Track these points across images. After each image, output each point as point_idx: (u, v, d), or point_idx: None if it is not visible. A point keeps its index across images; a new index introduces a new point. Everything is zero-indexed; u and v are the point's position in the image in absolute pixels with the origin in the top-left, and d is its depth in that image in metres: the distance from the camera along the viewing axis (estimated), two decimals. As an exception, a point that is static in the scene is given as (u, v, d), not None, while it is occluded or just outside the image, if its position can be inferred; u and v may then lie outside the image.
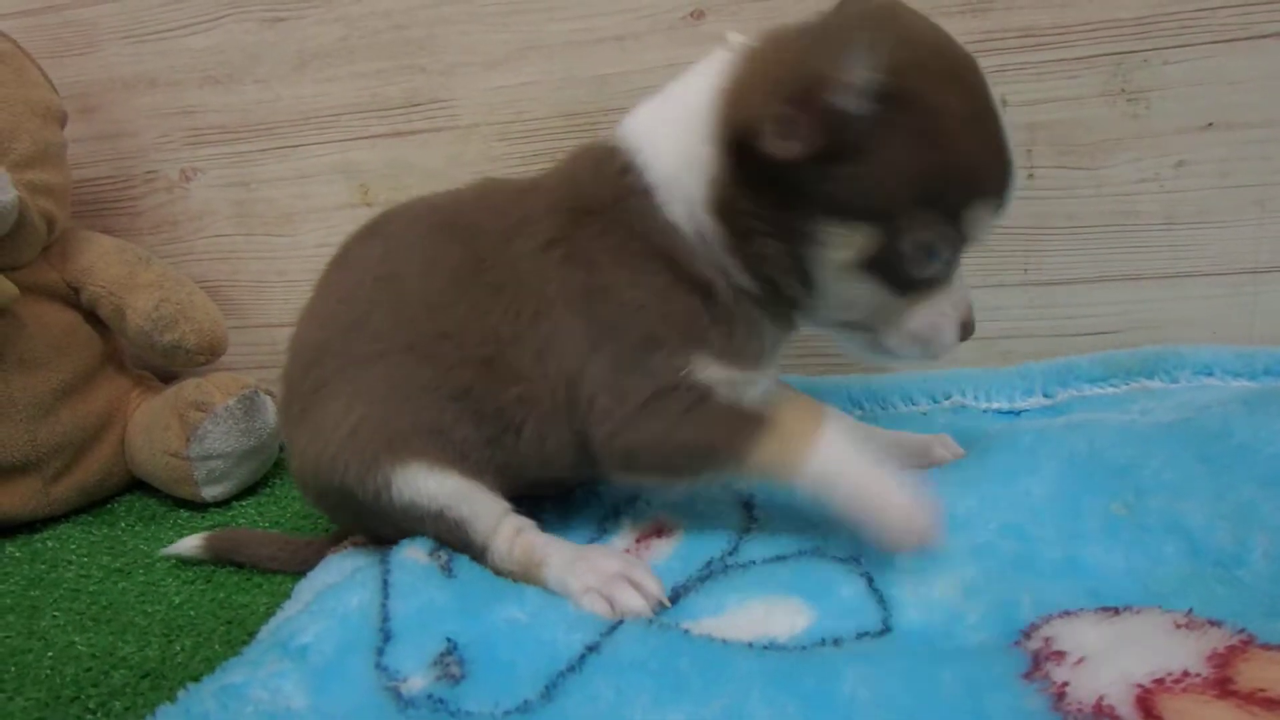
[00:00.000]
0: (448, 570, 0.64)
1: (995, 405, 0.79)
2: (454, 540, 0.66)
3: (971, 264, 0.86)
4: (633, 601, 0.59)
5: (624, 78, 0.90)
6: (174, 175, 1.07)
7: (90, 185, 1.07)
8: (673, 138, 0.61)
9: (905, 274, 0.58)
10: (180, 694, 0.52)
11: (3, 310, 0.87)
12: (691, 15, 0.87)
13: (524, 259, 0.66)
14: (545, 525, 0.69)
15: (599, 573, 0.61)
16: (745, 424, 0.60)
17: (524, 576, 0.64)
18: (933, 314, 0.60)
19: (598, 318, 0.63)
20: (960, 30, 0.81)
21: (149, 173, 1.07)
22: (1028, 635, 0.50)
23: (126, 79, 1.05)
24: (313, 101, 1.00)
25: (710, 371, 0.62)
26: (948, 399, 0.80)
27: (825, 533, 0.62)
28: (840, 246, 0.57)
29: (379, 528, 0.70)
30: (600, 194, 0.64)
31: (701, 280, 0.62)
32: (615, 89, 0.91)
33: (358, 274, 0.71)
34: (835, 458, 0.57)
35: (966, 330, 0.62)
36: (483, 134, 0.96)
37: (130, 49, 1.03)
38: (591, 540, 0.69)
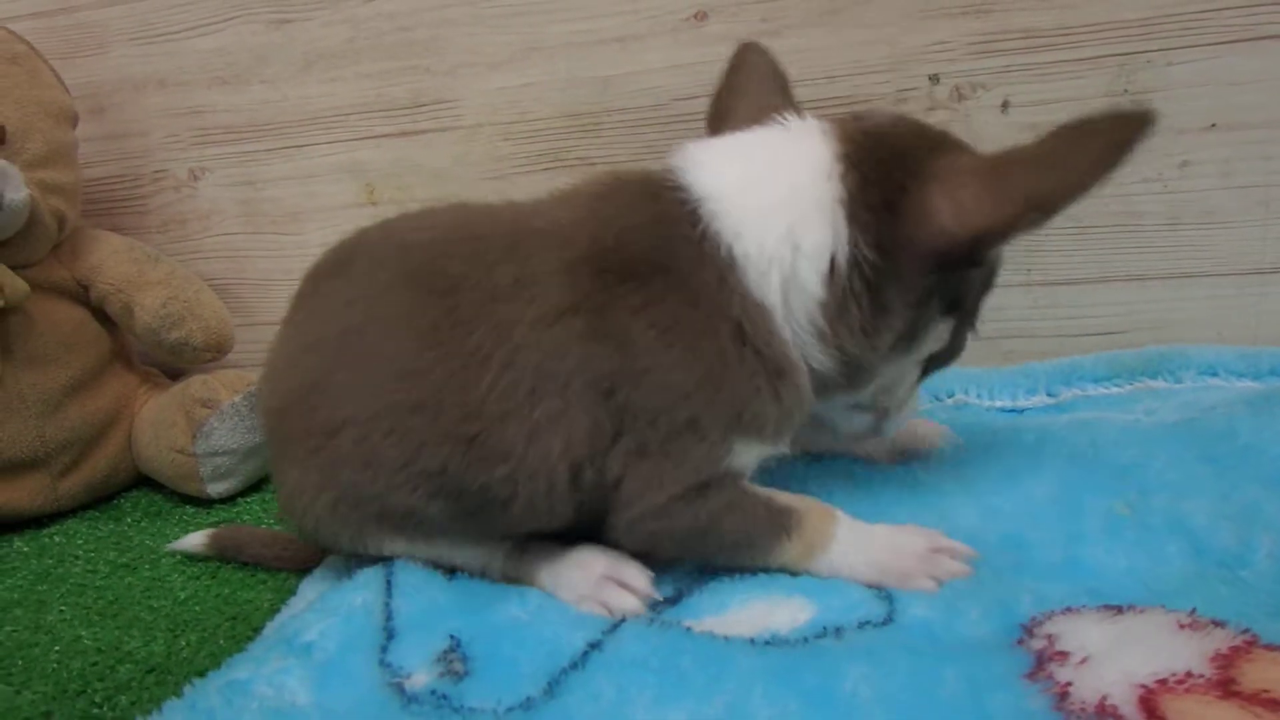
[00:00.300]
0: (450, 572, 0.64)
1: (998, 403, 0.79)
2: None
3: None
4: (625, 602, 0.59)
5: (627, 79, 0.91)
6: (182, 174, 1.08)
7: (100, 184, 1.08)
8: (774, 209, 0.55)
9: (943, 361, 0.63)
10: (186, 689, 0.52)
11: (13, 307, 0.88)
12: (695, 17, 0.88)
13: (522, 327, 0.56)
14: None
15: (587, 578, 0.60)
16: (774, 521, 0.58)
17: (523, 584, 0.64)
18: (915, 396, 0.66)
19: (628, 404, 0.55)
20: (962, 32, 0.82)
21: (158, 172, 1.08)
22: (1030, 633, 0.50)
23: (136, 79, 1.05)
24: (319, 102, 1.00)
25: (749, 454, 0.58)
26: (950, 397, 0.80)
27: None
28: (937, 339, 0.60)
29: None
30: (654, 255, 0.56)
31: (774, 362, 0.56)
32: (618, 90, 0.91)
33: (322, 321, 0.64)
34: (848, 552, 0.58)
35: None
36: (487, 134, 0.97)
37: (140, 50, 1.04)
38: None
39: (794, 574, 0.59)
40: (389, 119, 0.99)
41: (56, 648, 0.72)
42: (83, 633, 0.73)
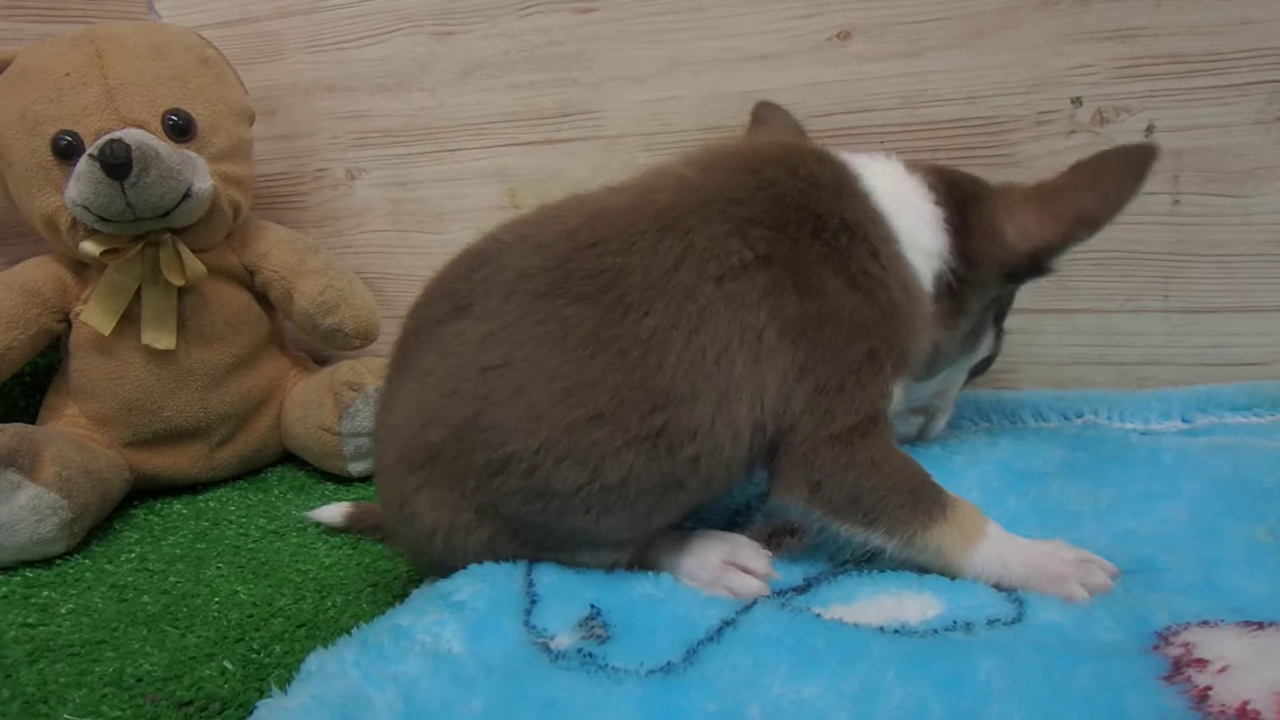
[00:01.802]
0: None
1: (1129, 426, 0.78)
2: None
3: (1108, 288, 0.87)
4: (749, 585, 0.61)
5: (767, 95, 0.93)
6: (341, 174, 1.16)
7: (268, 179, 1.17)
8: (906, 212, 0.65)
9: (982, 369, 0.75)
10: (355, 629, 0.57)
11: (191, 287, 0.96)
12: (838, 36, 0.90)
13: (705, 290, 0.58)
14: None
15: (706, 565, 0.63)
16: (930, 493, 0.59)
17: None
18: (951, 407, 0.76)
19: (815, 345, 0.59)
20: (1107, 56, 0.83)
21: (319, 170, 1.17)
22: (1166, 640, 0.50)
23: (306, 85, 1.14)
24: (472, 109, 1.07)
25: (898, 398, 0.64)
26: (1080, 417, 0.80)
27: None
28: (987, 346, 0.72)
29: None
30: (835, 211, 0.61)
31: (919, 317, 0.64)
32: (759, 105, 0.95)
33: (453, 366, 0.61)
34: (1002, 550, 0.58)
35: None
36: (628, 144, 1.01)
37: (312, 58, 1.13)
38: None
39: (939, 564, 0.59)
40: (535, 127, 1.04)
41: (216, 599, 0.78)
42: (239, 588, 0.79)
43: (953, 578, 0.59)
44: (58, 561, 0.87)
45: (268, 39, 1.14)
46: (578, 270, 0.60)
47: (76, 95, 0.91)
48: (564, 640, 0.56)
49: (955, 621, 0.55)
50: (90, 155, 0.87)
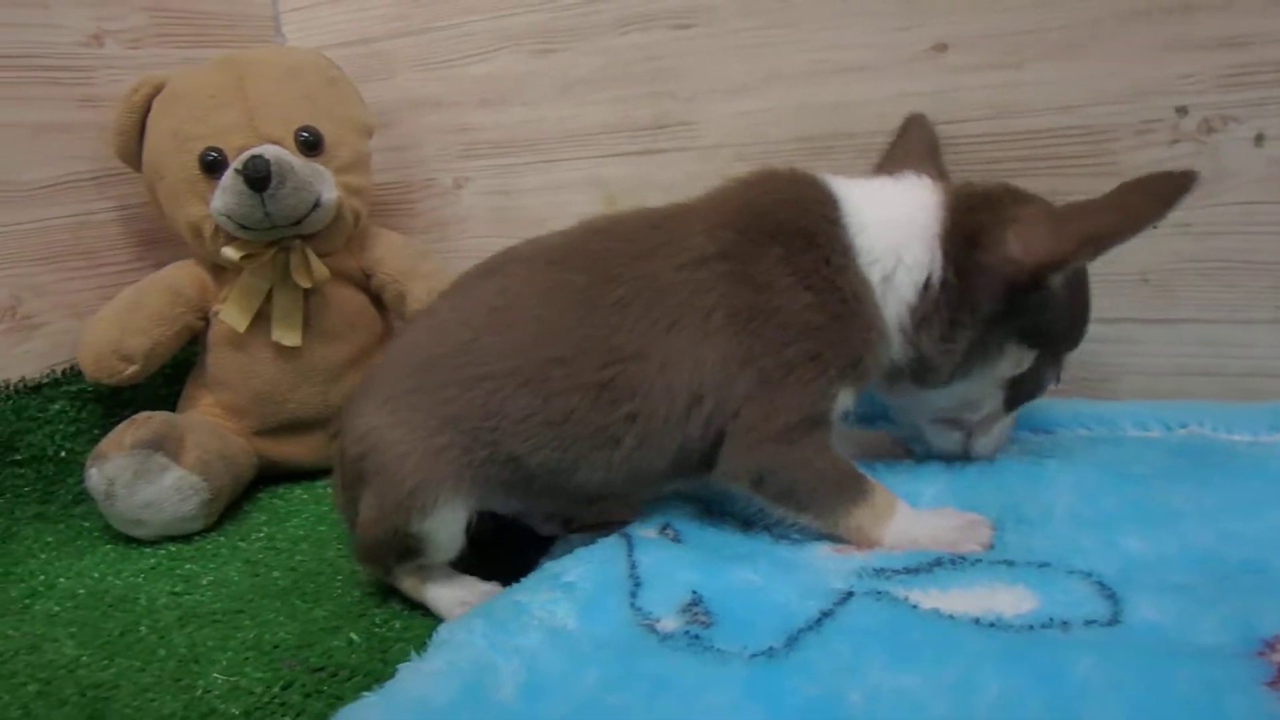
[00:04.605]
0: (677, 540, 0.71)
1: (1236, 438, 0.76)
2: None
3: (1214, 298, 0.86)
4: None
5: (861, 106, 0.96)
6: (448, 183, 1.22)
7: (380, 189, 1.23)
8: (891, 228, 0.68)
9: (1029, 393, 0.73)
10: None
11: (316, 289, 1.04)
12: (934, 48, 0.92)
13: (668, 273, 0.68)
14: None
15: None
16: (855, 481, 0.67)
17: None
18: (1006, 430, 0.76)
19: (759, 336, 0.66)
20: (1213, 64, 0.82)
21: (427, 180, 1.24)
22: (1273, 648, 0.50)
23: (415, 100, 1.21)
24: (571, 122, 1.12)
25: (845, 403, 0.68)
26: (1183, 428, 0.78)
27: (1055, 552, 0.64)
28: (1014, 363, 0.71)
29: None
30: (792, 221, 0.68)
31: (875, 326, 0.68)
32: (852, 116, 0.97)
33: (472, 304, 0.74)
34: (910, 523, 0.67)
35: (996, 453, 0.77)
36: (723, 155, 1.04)
37: (421, 75, 1.20)
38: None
39: (859, 539, 0.66)
40: (633, 138, 1.08)
41: (339, 577, 0.84)
42: (357, 569, 0.85)
43: (871, 548, 0.66)
44: (196, 538, 0.95)
45: (381, 58, 1.21)
46: (582, 249, 0.73)
47: (221, 115, 0.99)
48: (669, 624, 0.59)
49: (1052, 619, 0.56)
50: (235, 170, 0.95)
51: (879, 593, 0.60)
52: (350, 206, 1.05)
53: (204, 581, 0.86)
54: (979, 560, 0.64)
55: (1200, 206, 0.85)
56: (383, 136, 1.21)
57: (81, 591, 0.85)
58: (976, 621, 0.56)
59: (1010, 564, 0.63)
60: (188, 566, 0.89)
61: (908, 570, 0.63)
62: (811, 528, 0.68)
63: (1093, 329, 0.75)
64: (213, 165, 0.99)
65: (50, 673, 0.72)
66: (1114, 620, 0.55)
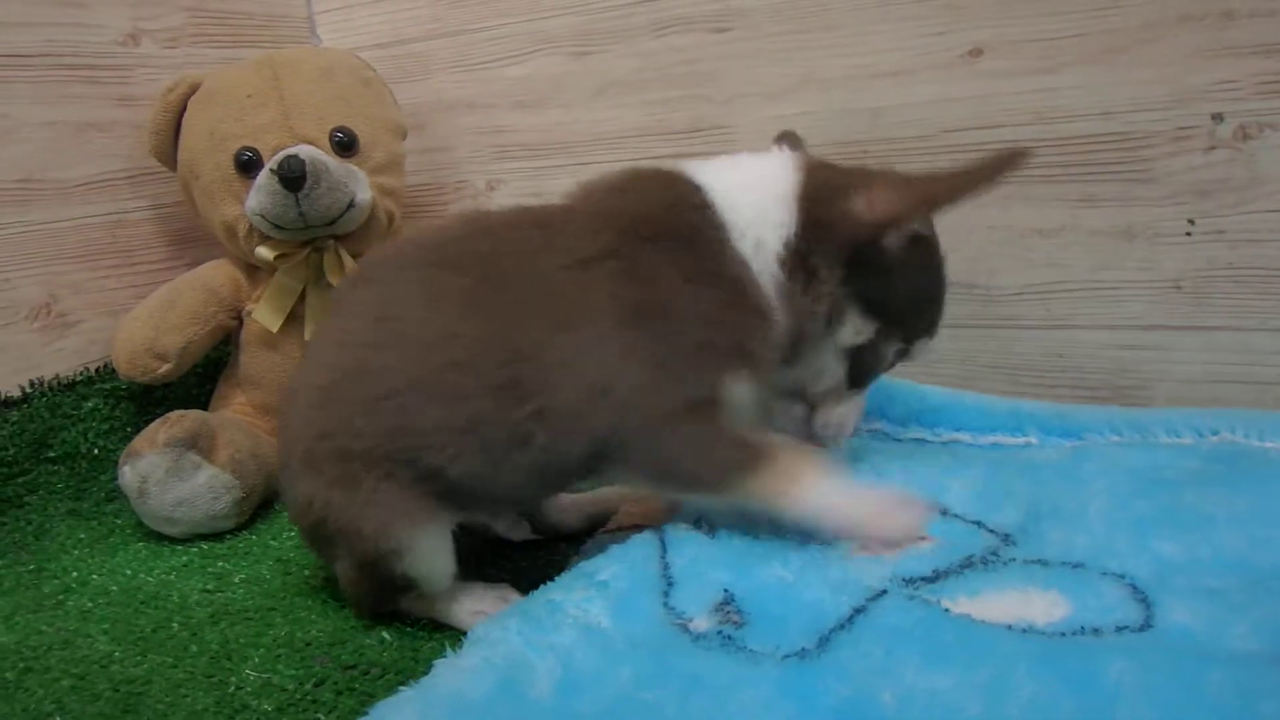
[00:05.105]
0: (712, 534, 0.70)
1: (1270, 445, 0.75)
2: None
3: (1247, 305, 0.85)
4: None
5: (897, 110, 0.96)
6: (480, 185, 1.23)
7: (413, 190, 1.25)
8: (752, 198, 0.71)
9: (869, 368, 0.74)
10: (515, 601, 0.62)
11: (349, 289, 1.04)
12: (969, 54, 0.92)
13: (556, 273, 0.68)
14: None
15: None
16: (750, 452, 0.66)
17: None
18: (852, 410, 0.76)
19: (648, 330, 0.67)
20: (1251, 71, 0.82)
21: (459, 182, 1.24)
22: (1307, 653, 0.50)
23: (450, 102, 1.22)
24: (606, 125, 1.12)
25: (739, 388, 0.68)
26: (1216, 435, 0.77)
27: (1089, 551, 0.63)
28: (852, 330, 0.72)
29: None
30: (670, 220, 0.70)
31: (759, 306, 0.69)
32: (887, 120, 0.97)
33: (355, 320, 0.72)
34: (823, 493, 0.65)
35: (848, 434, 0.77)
36: (756, 159, 1.05)
37: (456, 77, 1.21)
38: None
39: (767, 509, 0.65)
40: (667, 141, 1.09)
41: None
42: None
43: (792, 521, 0.65)
44: (228, 536, 0.96)
45: (417, 59, 1.23)
46: (466, 250, 0.72)
47: (257, 115, 1.01)
48: (701, 624, 0.60)
49: (1083, 627, 0.56)
50: (270, 169, 0.96)
51: (911, 592, 0.60)
52: (384, 207, 1.06)
53: (236, 579, 0.86)
54: (1012, 560, 0.64)
55: (1235, 213, 0.84)
56: (417, 138, 1.23)
57: (114, 588, 0.86)
58: (1009, 628, 0.56)
59: (1044, 564, 0.63)
60: (220, 564, 0.90)
61: (936, 573, 0.63)
62: (715, 505, 0.69)
63: (1125, 335, 0.75)
64: (248, 165, 1.00)
65: (84, 668, 0.73)
66: (1146, 626, 0.55)
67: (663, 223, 0.70)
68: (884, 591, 0.60)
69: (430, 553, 0.70)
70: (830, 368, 0.74)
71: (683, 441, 0.67)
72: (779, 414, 0.77)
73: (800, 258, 0.70)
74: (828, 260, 0.70)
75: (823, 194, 0.70)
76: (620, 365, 0.67)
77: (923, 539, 0.66)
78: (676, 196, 0.72)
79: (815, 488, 0.65)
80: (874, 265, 0.70)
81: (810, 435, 0.76)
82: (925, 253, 0.73)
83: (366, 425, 0.68)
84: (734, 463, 0.66)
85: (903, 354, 0.75)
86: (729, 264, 0.69)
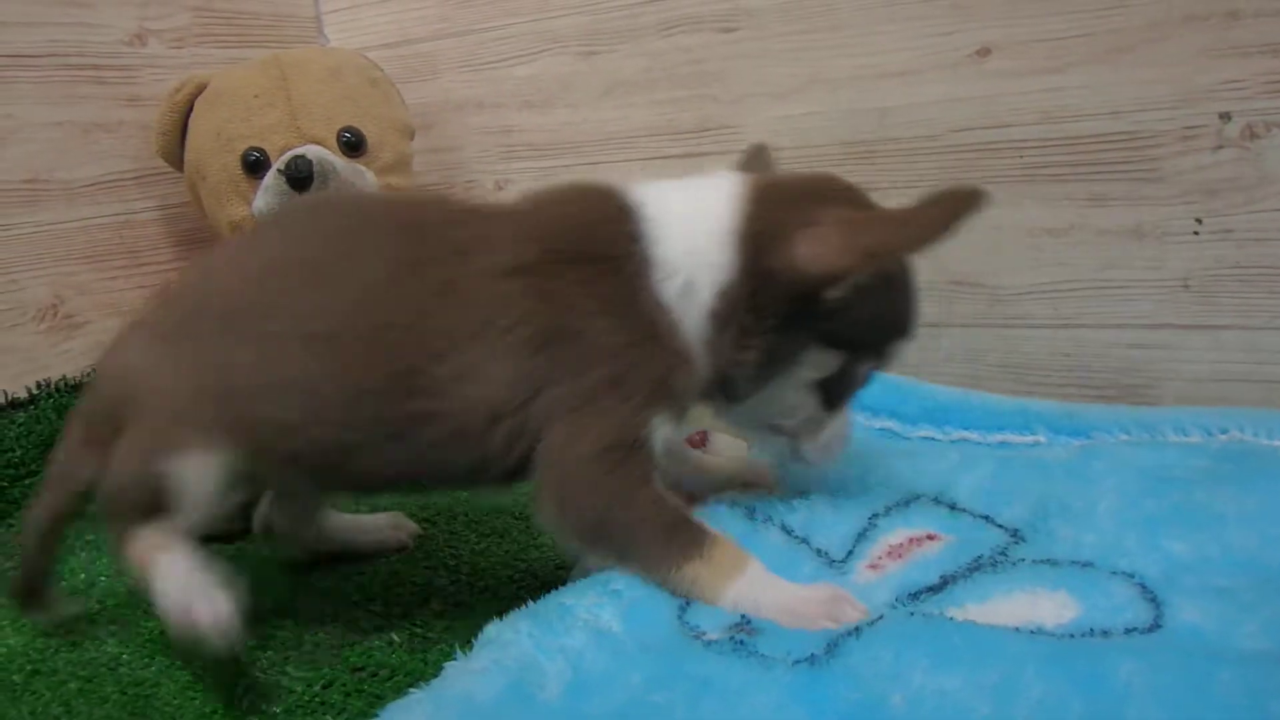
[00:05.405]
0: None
1: (1277, 443, 0.75)
2: None
3: (1254, 304, 0.85)
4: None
5: (904, 110, 0.96)
6: (489, 185, 1.23)
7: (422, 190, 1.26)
8: (689, 232, 0.65)
9: (843, 392, 0.69)
10: (529, 604, 0.62)
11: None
12: (977, 53, 0.92)
13: (475, 276, 0.65)
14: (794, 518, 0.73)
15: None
16: (685, 534, 0.63)
17: None
18: (838, 428, 0.71)
19: (558, 359, 0.63)
20: (1258, 71, 0.82)
21: (468, 182, 1.25)
22: (1317, 653, 0.50)
23: (458, 101, 1.22)
24: (614, 125, 1.13)
25: (662, 432, 0.65)
26: (1224, 433, 0.77)
27: (1098, 550, 0.64)
28: (814, 367, 0.67)
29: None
30: (596, 245, 0.65)
31: (677, 350, 0.65)
32: (895, 120, 0.97)
33: (283, 247, 0.71)
34: (758, 589, 0.62)
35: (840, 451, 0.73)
36: (764, 159, 1.05)
37: (465, 77, 1.21)
38: (862, 531, 0.73)
39: (697, 597, 0.62)
40: (675, 141, 1.09)
41: (379, 579, 0.85)
42: (399, 569, 0.86)
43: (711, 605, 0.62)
44: (236, 538, 0.96)
45: (425, 59, 1.23)
46: (412, 213, 0.71)
47: (264, 115, 1.01)
48: (714, 636, 0.59)
49: (1092, 629, 0.56)
50: (278, 170, 0.96)
51: (914, 607, 0.60)
52: (391, 207, 1.06)
53: (243, 581, 0.86)
54: (1021, 559, 0.64)
55: (1242, 212, 0.84)
56: (424, 138, 1.23)
57: (122, 590, 0.86)
58: (1017, 630, 0.56)
59: (1053, 563, 0.63)
60: (227, 565, 0.90)
61: (944, 579, 0.63)
62: (645, 581, 0.63)
63: (1133, 334, 0.75)
64: (255, 165, 1.00)
65: (91, 670, 0.73)
66: (1155, 625, 0.55)
67: (583, 244, 0.66)
68: (893, 605, 0.60)
69: (204, 474, 0.68)
70: (800, 402, 0.69)
71: (615, 497, 0.63)
72: (757, 446, 0.74)
73: (733, 308, 0.65)
74: (766, 308, 0.64)
75: (767, 232, 0.64)
76: (521, 392, 0.63)
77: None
78: (605, 219, 0.67)
79: (752, 584, 0.62)
80: (824, 308, 0.64)
81: (800, 459, 0.72)
82: (883, 275, 0.66)
83: (237, 346, 0.66)
84: (673, 544, 0.62)
85: (878, 366, 0.71)
86: (646, 302, 0.65)
